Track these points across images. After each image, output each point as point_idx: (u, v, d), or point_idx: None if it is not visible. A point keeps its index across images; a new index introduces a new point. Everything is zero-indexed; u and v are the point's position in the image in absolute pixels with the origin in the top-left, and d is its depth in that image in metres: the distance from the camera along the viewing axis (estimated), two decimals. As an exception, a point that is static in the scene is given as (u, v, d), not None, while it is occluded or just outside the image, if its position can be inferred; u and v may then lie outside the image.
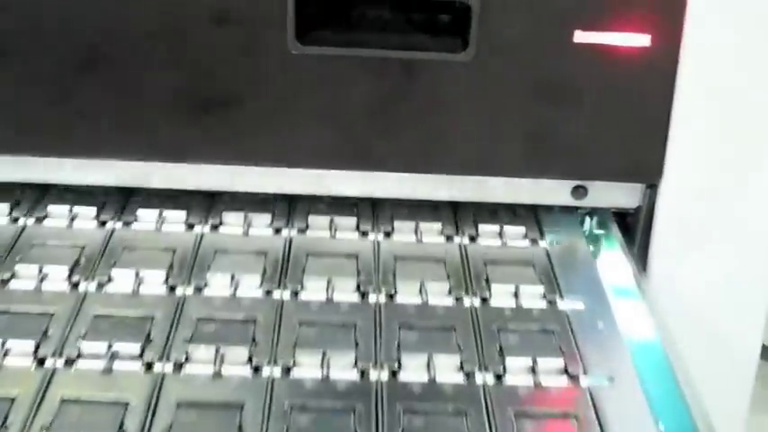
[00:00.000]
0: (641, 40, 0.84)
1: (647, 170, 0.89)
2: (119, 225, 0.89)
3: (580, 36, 0.84)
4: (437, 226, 0.90)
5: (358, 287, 0.82)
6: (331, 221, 0.90)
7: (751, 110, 0.86)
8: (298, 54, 0.84)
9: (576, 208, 0.93)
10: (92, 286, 0.80)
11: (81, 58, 0.84)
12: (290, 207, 0.92)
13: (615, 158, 0.88)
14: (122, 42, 0.84)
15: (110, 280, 0.81)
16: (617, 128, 0.87)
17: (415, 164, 0.89)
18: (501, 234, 0.90)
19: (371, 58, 0.84)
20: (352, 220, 0.90)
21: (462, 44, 0.84)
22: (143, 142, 0.88)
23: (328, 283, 0.81)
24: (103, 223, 0.89)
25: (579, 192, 0.91)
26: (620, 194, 0.92)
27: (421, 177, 0.91)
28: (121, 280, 0.81)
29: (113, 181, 0.91)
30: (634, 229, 0.93)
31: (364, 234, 0.89)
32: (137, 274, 0.81)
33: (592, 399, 0.71)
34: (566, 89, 0.86)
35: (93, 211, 0.90)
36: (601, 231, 0.95)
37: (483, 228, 0.91)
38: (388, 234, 0.89)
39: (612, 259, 0.89)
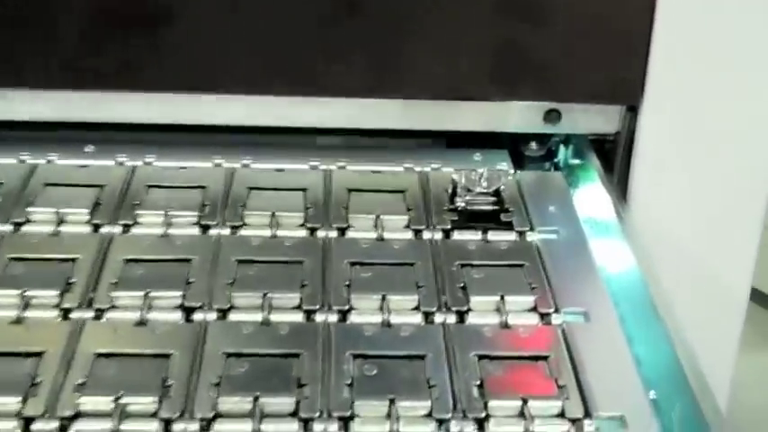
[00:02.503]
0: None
1: (627, 91, 0.80)
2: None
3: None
4: (396, 156, 0.82)
5: (305, 222, 0.73)
6: (275, 153, 0.82)
7: (741, 21, 0.78)
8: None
9: (551, 136, 0.85)
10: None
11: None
12: (231, 138, 0.83)
13: (591, 78, 0.80)
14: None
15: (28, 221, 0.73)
16: (593, 44, 0.78)
17: (369, 88, 0.80)
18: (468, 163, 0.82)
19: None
20: (300, 152, 0.82)
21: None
22: (59, 69, 0.79)
23: (272, 217, 0.73)
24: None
25: (552, 116, 0.82)
26: (597, 119, 0.84)
27: (374, 103, 0.82)
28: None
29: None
30: (613, 157, 0.85)
31: (314, 168, 0.81)
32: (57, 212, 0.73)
33: (565, 338, 0.63)
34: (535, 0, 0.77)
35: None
36: (577, 161, 0.87)
37: (448, 156, 0.83)
38: (342, 167, 0.81)
39: (590, 189, 0.82)
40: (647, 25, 0.77)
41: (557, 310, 0.66)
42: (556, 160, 0.88)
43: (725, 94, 0.80)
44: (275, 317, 0.64)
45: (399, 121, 0.83)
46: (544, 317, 0.65)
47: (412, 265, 0.69)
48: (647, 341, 0.65)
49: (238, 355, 0.61)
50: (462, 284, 0.67)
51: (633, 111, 0.81)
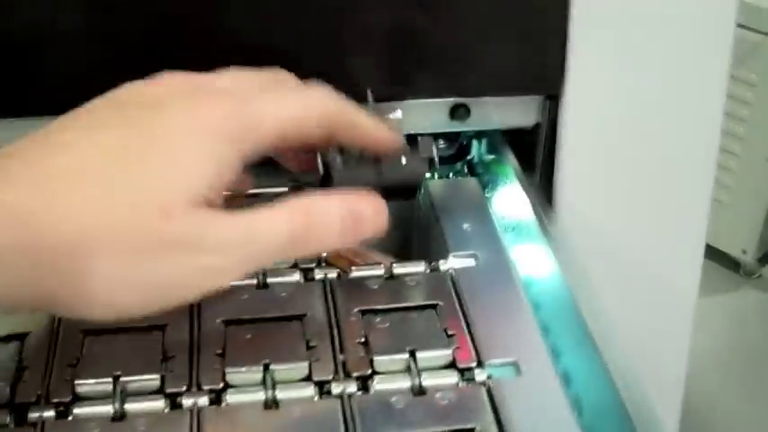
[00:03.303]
0: None
1: (546, 78, 0.68)
2: None
3: None
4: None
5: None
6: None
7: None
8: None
9: (458, 133, 0.73)
10: None
11: None
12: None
13: (503, 67, 0.67)
14: None
15: None
16: (503, 25, 0.66)
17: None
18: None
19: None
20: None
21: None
22: None
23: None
24: None
25: (460, 112, 0.70)
26: (511, 110, 0.71)
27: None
28: None
29: None
30: (533, 151, 0.73)
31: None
32: None
33: (491, 400, 0.52)
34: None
35: None
36: (491, 156, 0.75)
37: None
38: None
39: (508, 193, 0.70)
40: (565, 3, 0.65)
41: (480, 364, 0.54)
42: (469, 158, 0.76)
43: (658, 74, 0.68)
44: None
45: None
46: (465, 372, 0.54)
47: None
48: (589, 391, 0.54)
49: None
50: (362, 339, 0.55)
51: (554, 99, 0.69)
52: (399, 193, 0.58)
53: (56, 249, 0.43)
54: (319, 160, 0.56)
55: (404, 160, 0.57)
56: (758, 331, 1.81)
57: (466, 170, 0.76)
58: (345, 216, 0.50)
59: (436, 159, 0.59)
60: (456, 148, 0.75)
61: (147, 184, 0.45)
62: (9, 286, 0.44)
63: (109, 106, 0.48)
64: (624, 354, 0.55)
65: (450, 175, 0.75)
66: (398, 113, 0.64)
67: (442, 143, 0.74)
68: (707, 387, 1.55)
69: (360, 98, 0.58)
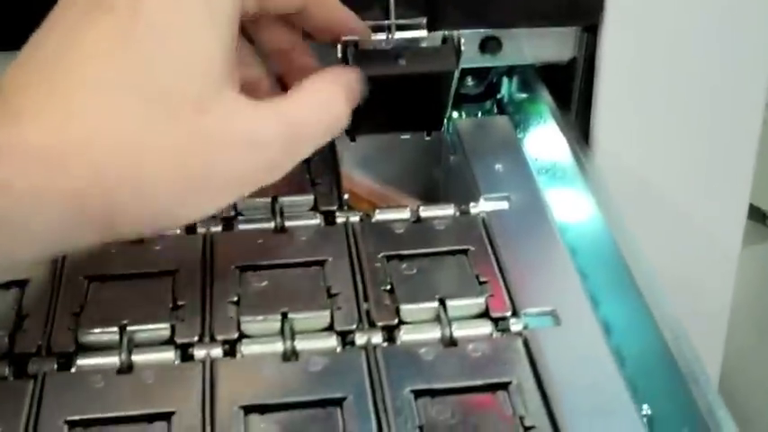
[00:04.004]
0: None
1: (583, 6, 0.63)
2: None
3: None
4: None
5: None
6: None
7: None
8: None
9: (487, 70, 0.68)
10: None
11: None
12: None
13: (537, -6, 0.63)
14: None
15: None
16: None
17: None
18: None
19: None
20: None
21: None
22: None
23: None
24: None
25: (491, 45, 0.65)
26: (546, 43, 0.66)
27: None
28: None
29: None
30: (569, 88, 0.68)
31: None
32: None
33: (528, 352, 0.48)
34: None
35: None
36: (524, 95, 0.70)
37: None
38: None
39: (542, 133, 0.65)
40: None
41: (515, 313, 0.50)
42: (499, 96, 0.72)
43: (706, 2, 0.63)
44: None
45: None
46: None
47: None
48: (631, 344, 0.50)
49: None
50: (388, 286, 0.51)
51: (592, 31, 0.64)
52: (424, 87, 0.53)
53: (100, 174, 0.40)
54: (339, 48, 0.52)
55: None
56: (783, 283, 1.76)
57: (495, 110, 0.71)
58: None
59: (462, 50, 0.54)
60: (485, 86, 0.71)
61: (166, 81, 0.42)
62: (60, 223, 0.40)
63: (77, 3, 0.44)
64: (665, 302, 0.51)
65: (479, 115, 0.71)
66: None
67: (470, 80, 0.70)
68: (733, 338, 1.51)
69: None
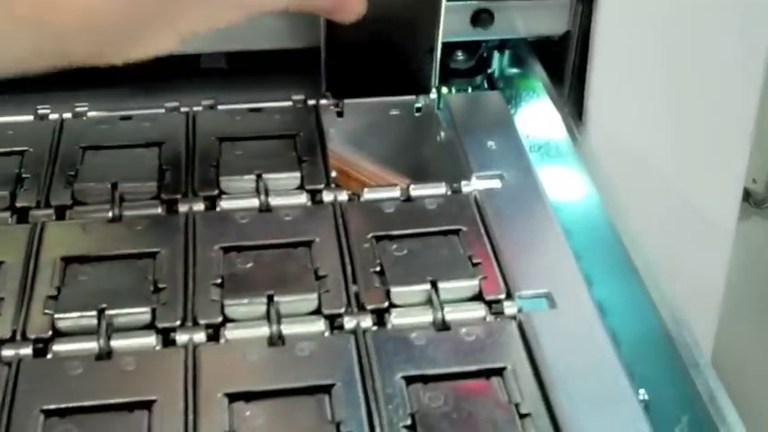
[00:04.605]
0: None
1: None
2: None
3: None
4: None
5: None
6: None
7: None
8: None
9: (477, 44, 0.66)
10: None
11: None
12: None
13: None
14: None
15: None
16: None
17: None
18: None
19: None
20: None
21: None
22: None
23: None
24: None
25: (482, 18, 0.63)
26: (539, 16, 0.64)
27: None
28: None
29: None
30: (562, 63, 0.66)
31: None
32: None
33: (523, 335, 0.46)
34: None
35: None
36: (516, 70, 0.69)
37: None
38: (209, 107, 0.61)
39: (535, 109, 0.63)
40: None
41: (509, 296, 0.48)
42: (490, 71, 0.70)
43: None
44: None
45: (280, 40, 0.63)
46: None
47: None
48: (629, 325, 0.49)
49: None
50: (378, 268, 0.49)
51: (587, 2, 0.63)
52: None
53: None
54: None
55: None
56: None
57: (486, 85, 0.69)
58: None
59: None
60: (475, 61, 0.69)
61: None
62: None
63: None
64: (664, 284, 0.50)
65: (469, 90, 0.69)
66: None
67: (460, 54, 0.68)
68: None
69: None
